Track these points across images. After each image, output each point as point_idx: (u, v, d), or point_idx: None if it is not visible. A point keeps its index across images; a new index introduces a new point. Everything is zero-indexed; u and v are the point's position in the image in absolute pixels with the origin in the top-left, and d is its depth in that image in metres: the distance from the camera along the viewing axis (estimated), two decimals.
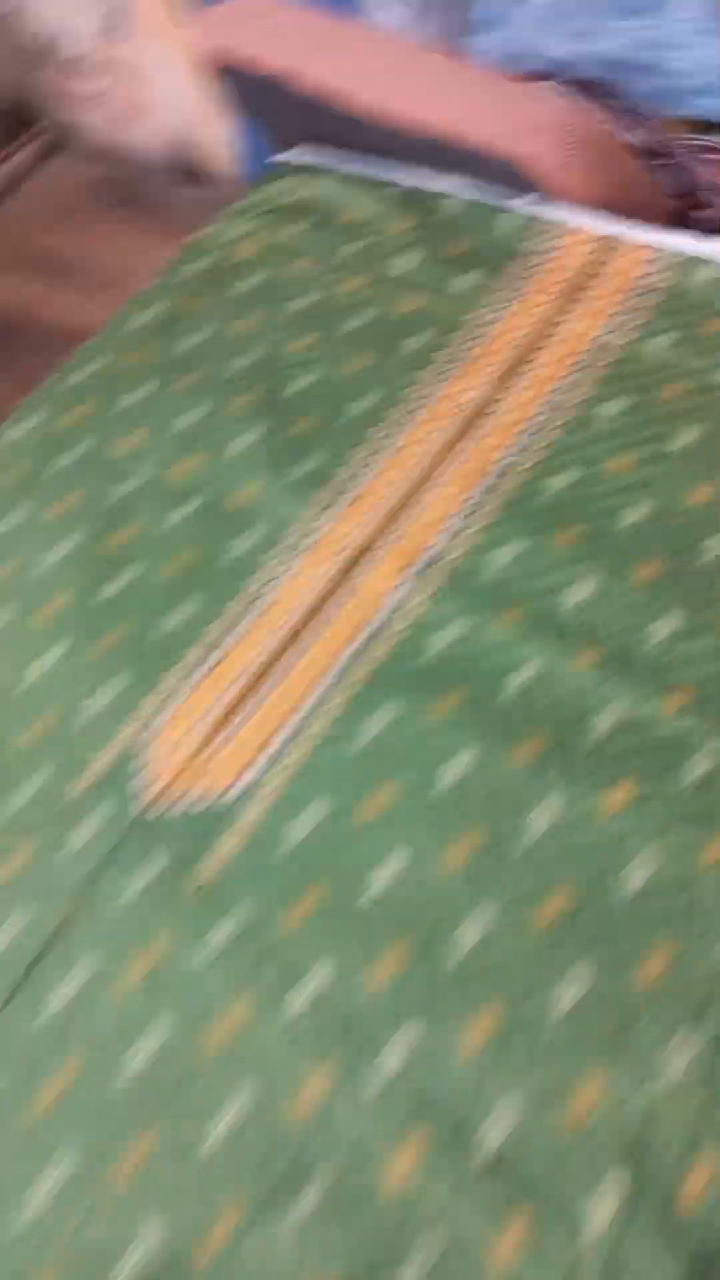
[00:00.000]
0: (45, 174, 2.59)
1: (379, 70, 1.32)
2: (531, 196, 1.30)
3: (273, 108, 1.56)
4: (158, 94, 2.46)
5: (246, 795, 0.89)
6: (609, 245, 1.24)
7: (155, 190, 2.53)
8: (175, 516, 1.10)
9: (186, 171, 2.56)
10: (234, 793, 0.90)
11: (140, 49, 2.38)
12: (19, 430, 1.22)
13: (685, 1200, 0.68)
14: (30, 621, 1.04)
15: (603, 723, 0.88)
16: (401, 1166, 0.72)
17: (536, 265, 1.25)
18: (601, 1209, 0.69)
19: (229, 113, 2.43)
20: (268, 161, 1.55)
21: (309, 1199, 0.71)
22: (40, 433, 1.21)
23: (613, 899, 0.79)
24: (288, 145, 1.57)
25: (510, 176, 1.30)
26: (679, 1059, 0.72)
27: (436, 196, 1.36)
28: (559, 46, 1.52)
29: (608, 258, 1.23)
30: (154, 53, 2.38)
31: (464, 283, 1.25)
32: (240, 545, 1.06)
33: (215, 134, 2.49)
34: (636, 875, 0.80)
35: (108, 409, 1.22)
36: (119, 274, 2.33)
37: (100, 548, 1.09)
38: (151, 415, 1.20)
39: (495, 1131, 0.72)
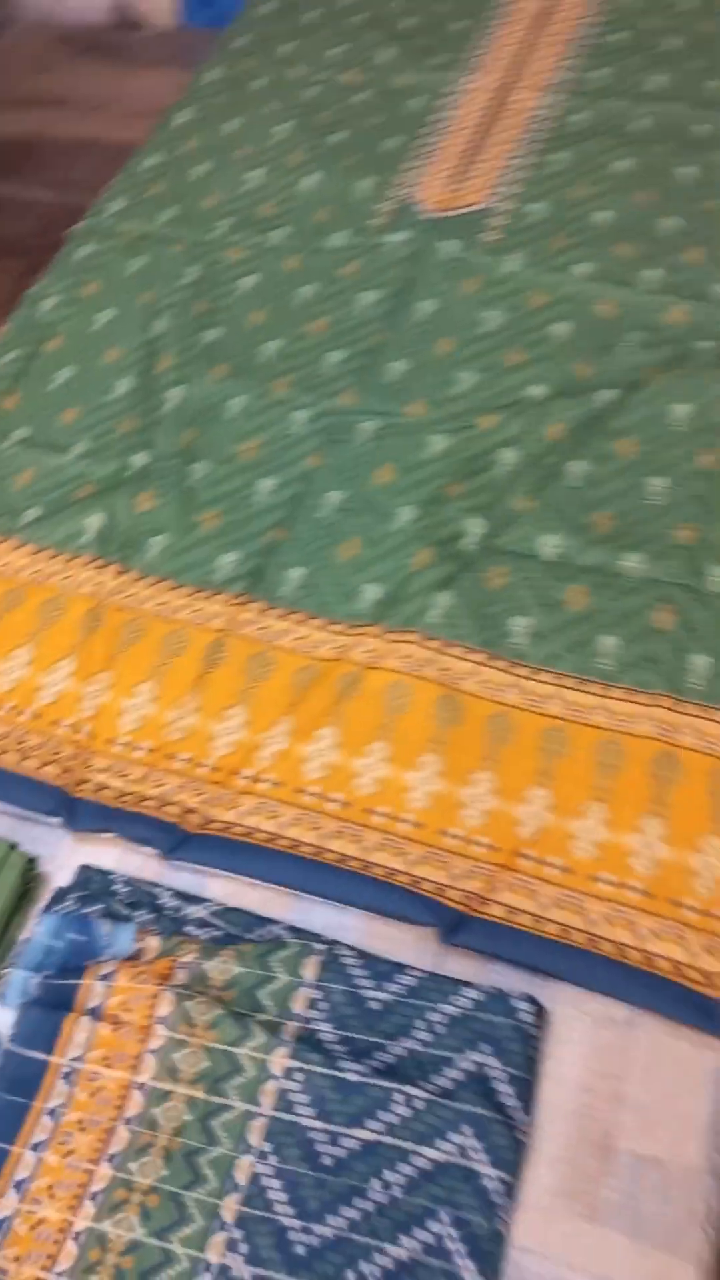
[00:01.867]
0: (5, 42, 2.97)
1: None
2: None
3: None
4: None
5: (496, 202, 1.41)
6: None
7: (110, 38, 2.96)
8: (358, 97, 1.60)
9: (130, 24, 3.00)
10: (489, 201, 1.41)
11: None
12: (211, 76, 1.68)
13: None
14: (282, 167, 1.51)
15: (703, 128, 1.44)
16: None
17: None
18: None
19: None
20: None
21: None
22: (228, 74, 1.68)
23: None
24: None
25: None
26: None
27: None
28: None
29: None
30: None
31: None
32: (414, 102, 1.57)
33: None
34: None
35: (271, 56, 1.69)
36: (103, 100, 2.77)
37: (311, 123, 1.58)
38: (304, 55, 1.69)
39: None
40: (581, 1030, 0.81)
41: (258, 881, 0.92)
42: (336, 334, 1.31)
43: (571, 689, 0.99)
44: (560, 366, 1.23)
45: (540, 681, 1.00)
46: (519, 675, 1.00)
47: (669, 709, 0.96)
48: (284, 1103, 0.81)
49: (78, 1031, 0.86)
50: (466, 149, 1.48)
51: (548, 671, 1.00)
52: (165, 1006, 0.86)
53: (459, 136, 1.50)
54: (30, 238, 2.24)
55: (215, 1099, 0.82)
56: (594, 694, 0.98)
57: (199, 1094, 0.83)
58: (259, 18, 1.79)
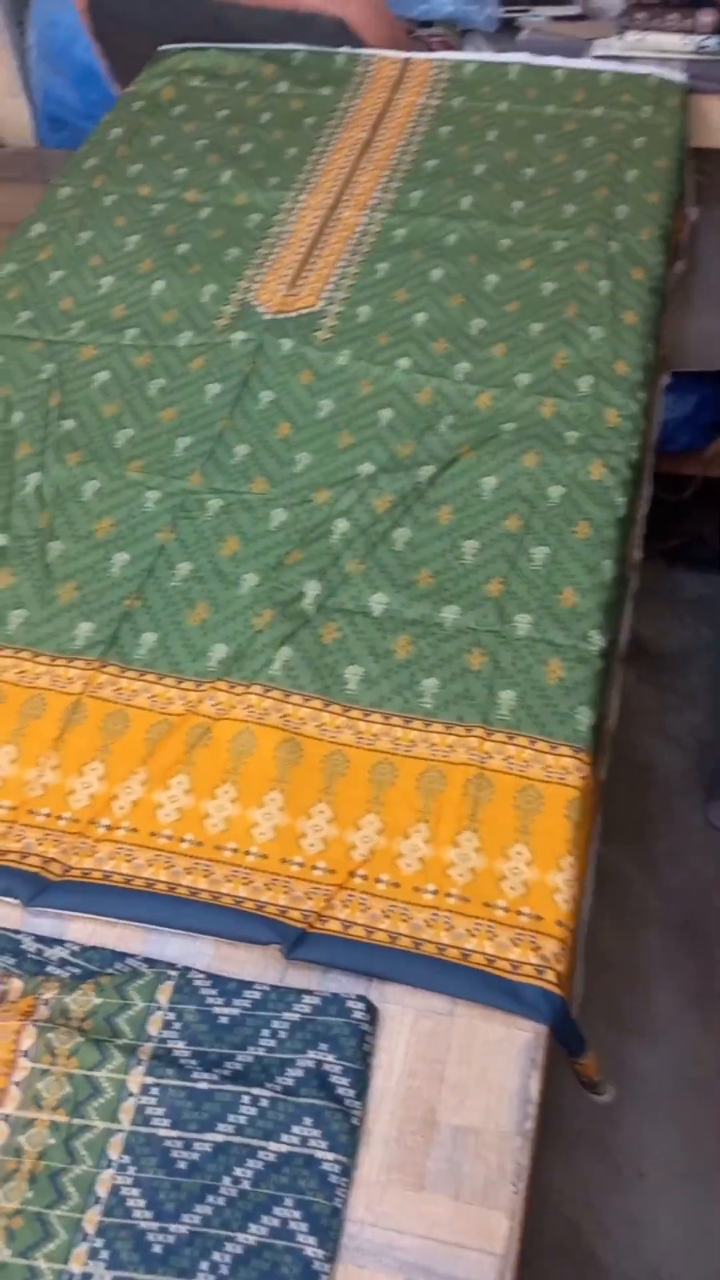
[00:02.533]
0: None
1: None
2: (346, 46, 2.09)
3: (136, 26, 2.25)
4: None
5: (327, 305, 1.57)
6: (409, 62, 2.05)
7: None
8: (202, 214, 1.76)
9: None
10: (319, 305, 1.57)
11: None
12: (63, 193, 1.83)
13: None
14: (133, 273, 1.65)
15: (505, 242, 1.64)
16: None
17: (367, 76, 2.03)
18: None
19: (26, 94, 3.08)
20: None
21: None
22: (79, 191, 1.82)
23: None
24: (134, 67, 2.24)
25: (335, 32, 2.08)
26: None
27: (287, 52, 2.12)
28: None
29: (411, 68, 2.04)
30: None
31: (325, 91, 2.01)
32: (252, 218, 1.74)
33: (11, 111, 3.11)
34: None
35: (121, 175, 1.85)
36: None
37: (159, 235, 1.73)
38: (151, 175, 1.85)
39: None
40: (408, 1022, 0.91)
41: (115, 920, 1.00)
42: (184, 422, 1.43)
43: (398, 726, 1.11)
44: (386, 447, 1.37)
45: (371, 722, 1.11)
46: (352, 718, 1.12)
47: (482, 738, 1.08)
48: (141, 1117, 0.88)
49: None
50: (300, 258, 1.65)
51: (377, 712, 1.12)
52: (28, 1040, 0.92)
53: (293, 248, 1.67)
54: None
55: (77, 1121, 0.89)
56: (417, 729, 1.10)
57: (61, 1118, 0.89)
58: (108, 140, 1.94)
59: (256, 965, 0.96)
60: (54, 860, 1.03)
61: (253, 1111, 0.87)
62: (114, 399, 1.47)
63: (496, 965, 0.93)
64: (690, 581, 2.38)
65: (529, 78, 1.99)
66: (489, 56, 2.07)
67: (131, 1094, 0.89)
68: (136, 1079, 0.90)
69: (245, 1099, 0.88)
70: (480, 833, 1.02)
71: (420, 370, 1.46)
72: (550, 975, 0.92)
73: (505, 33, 2.47)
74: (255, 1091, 0.88)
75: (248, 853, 1.02)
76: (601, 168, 1.77)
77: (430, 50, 2.35)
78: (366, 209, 1.73)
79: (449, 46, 2.40)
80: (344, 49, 2.10)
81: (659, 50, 2.06)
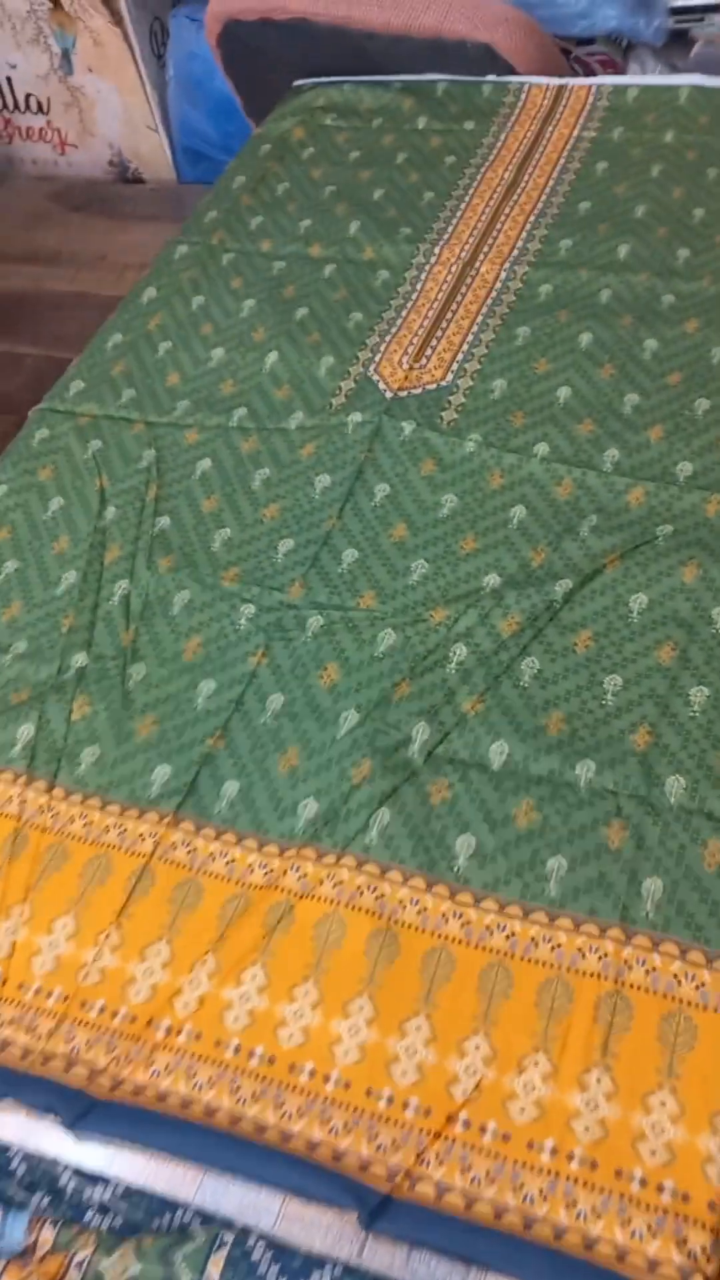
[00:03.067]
0: (6, 194, 3.14)
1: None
2: (493, 74, 1.96)
3: (270, 59, 2.17)
4: (100, 120, 3.07)
5: (456, 379, 1.43)
6: (562, 89, 1.90)
7: (105, 194, 3.12)
8: (325, 271, 1.65)
9: (129, 179, 3.17)
10: (448, 380, 1.43)
11: (83, 84, 2.99)
12: (180, 251, 1.75)
13: None
14: (246, 343, 1.56)
15: (668, 299, 1.47)
16: None
17: (517, 107, 1.88)
18: None
19: (164, 128, 3.07)
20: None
21: None
22: (197, 248, 1.74)
23: None
24: (268, 101, 2.16)
25: (481, 59, 1.95)
26: None
27: (428, 84, 1.99)
28: None
29: (564, 95, 1.89)
30: (96, 87, 2.99)
31: (468, 126, 1.87)
32: (380, 275, 1.62)
33: (151, 146, 3.11)
34: None
35: (242, 228, 1.76)
36: (95, 257, 2.90)
37: (277, 298, 1.62)
38: (273, 228, 1.75)
39: None
40: None
41: (168, 1155, 0.88)
42: (288, 520, 1.32)
43: (516, 919, 0.95)
44: (516, 554, 1.22)
45: (483, 910, 0.96)
46: (460, 903, 0.97)
47: (619, 941, 0.92)
48: None
49: None
50: (430, 324, 1.52)
51: (491, 898, 0.97)
52: None
53: (422, 310, 1.54)
54: (20, 393, 2.32)
55: None
56: (540, 924, 0.94)
57: None
58: (232, 190, 1.86)
59: (332, 1229, 0.82)
60: (102, 1071, 0.92)
61: None
62: (214, 491, 1.37)
63: (628, 1262, 0.77)
64: None
65: (701, 102, 1.80)
66: (655, 79, 1.89)
67: None
68: None
69: None
70: (614, 1072, 0.85)
71: (560, 459, 1.30)
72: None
73: (677, 46, 2.29)
74: None
75: (327, 1078, 0.89)
76: None
77: (591, 72, 2.20)
78: (508, 262, 1.58)
79: (613, 66, 2.24)
80: (491, 77, 1.96)
81: None
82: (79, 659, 1.22)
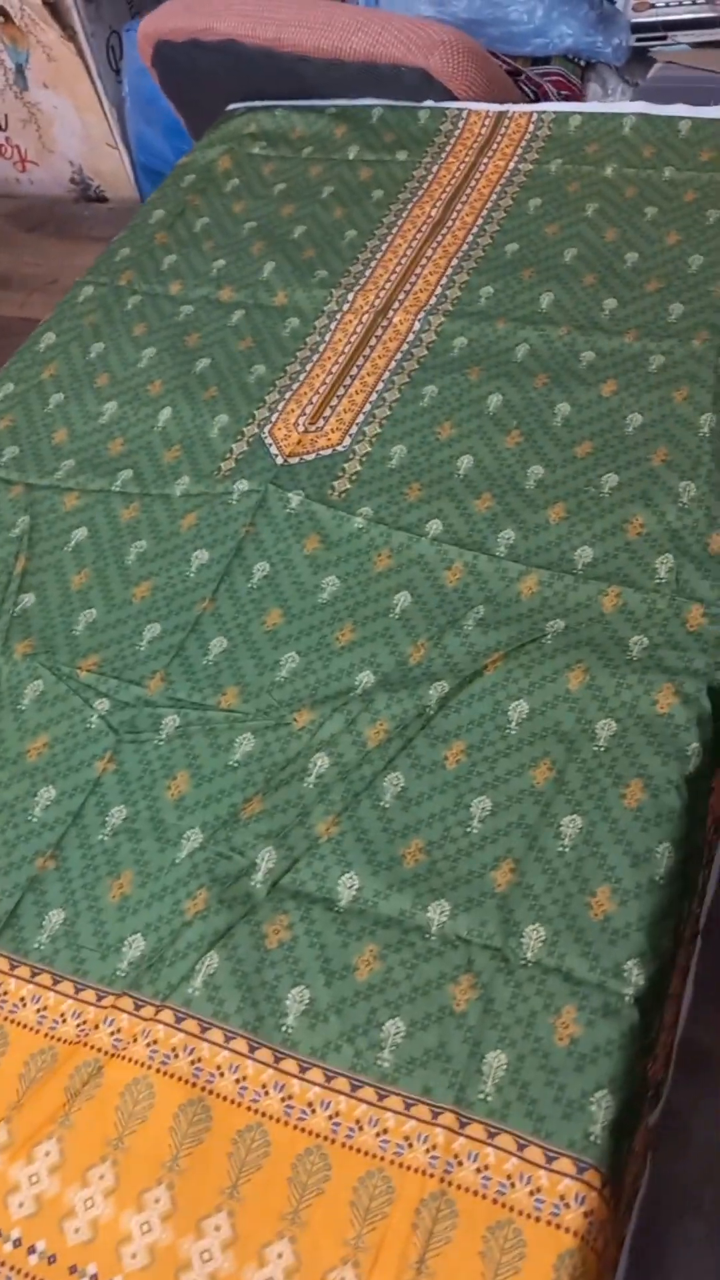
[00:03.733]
0: None
1: (311, 20, 1.83)
2: (431, 100, 1.83)
3: (204, 80, 2.05)
4: (58, 137, 2.95)
5: (354, 443, 1.31)
6: (502, 116, 1.77)
7: (62, 214, 3.00)
8: (233, 318, 1.53)
9: (91, 197, 3.05)
10: (344, 445, 1.31)
11: (40, 100, 2.87)
12: (85, 293, 1.64)
13: None
14: (141, 397, 1.44)
15: (587, 355, 1.34)
16: None
17: (451, 136, 1.76)
18: None
19: (124, 144, 2.95)
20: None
21: None
22: (104, 289, 1.63)
23: None
24: (206, 122, 2.04)
25: (418, 85, 1.82)
26: None
27: (362, 109, 1.86)
28: (427, 9, 2.09)
29: (503, 123, 1.76)
30: (52, 103, 2.88)
31: (400, 156, 1.75)
32: (289, 323, 1.50)
33: (112, 164, 2.99)
34: None
35: (153, 267, 1.64)
36: (46, 280, 2.79)
37: (179, 347, 1.51)
38: (185, 268, 1.63)
39: None
40: None
41: None
42: (159, 602, 1.20)
43: (343, 1094, 0.83)
44: (394, 649, 1.10)
45: (307, 1081, 0.84)
46: (284, 1071, 0.85)
47: (451, 1130, 0.80)
48: None
49: None
50: (334, 379, 1.40)
51: (318, 1067, 0.85)
52: None
53: (327, 364, 1.42)
54: None
55: None
56: (368, 1102, 0.83)
57: None
58: (148, 225, 1.75)
59: None
60: None
61: None
62: (86, 565, 1.26)
63: None
64: None
65: (645, 132, 1.67)
66: (600, 107, 1.76)
67: None
68: None
69: None
70: None
71: (453, 539, 1.18)
72: None
73: (637, 65, 2.16)
74: None
75: None
76: None
77: (543, 94, 2.07)
78: (423, 311, 1.46)
79: (567, 88, 2.11)
80: (428, 103, 1.83)
81: None
82: None
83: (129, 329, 1.56)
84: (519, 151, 1.70)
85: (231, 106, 2.00)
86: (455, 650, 1.08)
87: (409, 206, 1.64)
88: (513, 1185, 0.77)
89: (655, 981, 0.86)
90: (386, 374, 1.38)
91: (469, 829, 0.96)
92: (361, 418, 1.34)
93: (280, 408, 1.37)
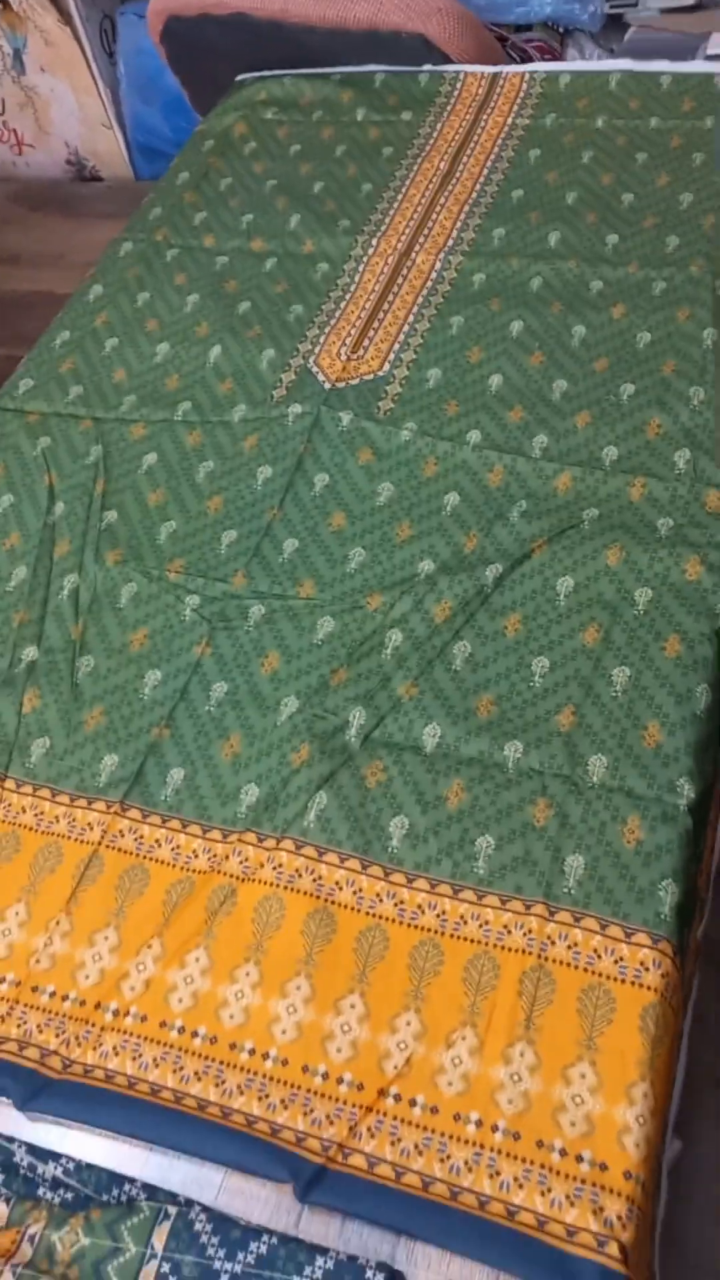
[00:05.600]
0: None
1: None
2: (429, 64, 1.91)
3: (213, 54, 2.11)
4: (55, 119, 2.99)
5: (393, 369, 1.40)
6: (496, 77, 1.85)
7: (63, 193, 3.04)
8: (266, 265, 1.61)
9: (86, 177, 3.09)
10: (384, 370, 1.40)
11: (37, 84, 2.91)
12: (125, 249, 1.71)
13: None
14: (190, 338, 1.52)
15: (595, 284, 1.44)
16: None
17: (453, 96, 1.84)
18: None
19: (119, 125, 2.99)
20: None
21: None
22: (142, 244, 1.70)
23: None
24: (213, 95, 2.10)
25: (417, 49, 1.90)
26: None
27: (366, 75, 1.94)
28: None
29: (498, 83, 1.84)
30: (49, 86, 2.91)
31: (405, 116, 1.83)
32: (320, 268, 1.58)
33: (108, 144, 3.03)
34: None
35: (185, 224, 1.72)
36: (55, 255, 2.84)
37: (220, 293, 1.59)
38: (216, 224, 1.71)
39: None
40: None
41: (116, 1134, 0.87)
42: (231, 512, 1.29)
43: (446, 897, 0.94)
44: (449, 540, 1.20)
45: (415, 889, 0.95)
46: (394, 883, 0.96)
47: (543, 918, 0.91)
48: None
49: None
50: (367, 315, 1.49)
51: (423, 878, 0.96)
52: None
53: (360, 302, 1.51)
54: None
55: None
56: (468, 902, 0.94)
57: None
58: (175, 186, 1.81)
59: (270, 1201, 0.82)
60: (54, 1053, 0.91)
61: None
62: (160, 485, 1.34)
63: (548, 1230, 0.77)
64: None
65: (631, 87, 1.76)
66: (586, 66, 1.85)
67: None
68: None
69: None
70: (536, 1046, 0.85)
71: (492, 445, 1.28)
72: (613, 1249, 0.75)
73: (612, 30, 2.25)
74: None
75: (266, 1056, 0.88)
76: (710, 190, 1.54)
77: (527, 58, 2.15)
78: (443, 252, 1.55)
79: (549, 53, 2.19)
80: (427, 67, 1.91)
81: None
82: (29, 653, 1.19)
83: (170, 279, 1.64)
84: (515, 108, 1.79)
85: (241, 77, 2.06)
86: (504, 538, 1.19)
87: (418, 161, 1.73)
88: (599, 957, 0.88)
89: (702, 795, 0.98)
90: (415, 308, 1.47)
91: (531, 684, 1.06)
92: (397, 346, 1.43)
93: (321, 341, 1.46)
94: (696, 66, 1.77)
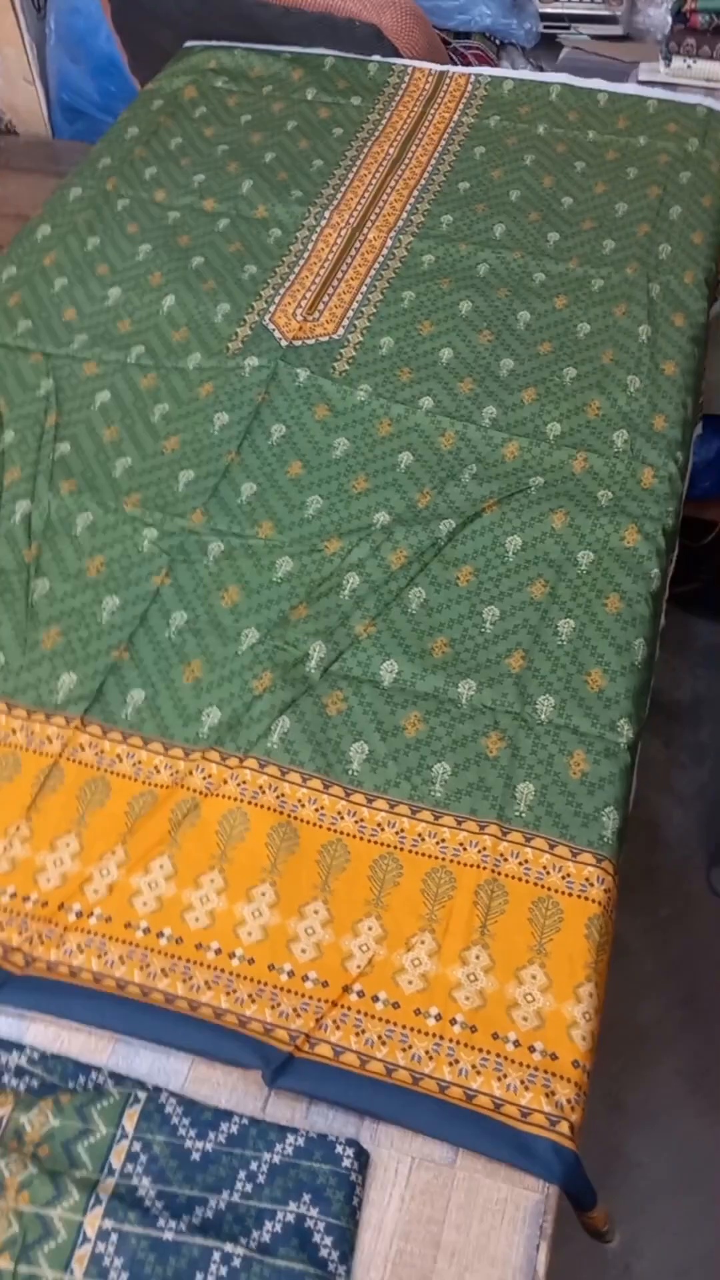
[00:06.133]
0: None
1: None
2: (378, 55, 1.98)
3: (158, 17, 2.13)
4: None
5: (347, 333, 1.46)
6: (443, 75, 1.94)
7: None
8: (219, 225, 1.65)
9: (1, 131, 3.03)
10: (339, 334, 1.46)
11: None
12: (74, 193, 1.71)
13: None
14: (142, 286, 1.54)
15: (539, 276, 1.53)
16: None
17: (401, 88, 1.91)
18: None
19: (41, 81, 2.95)
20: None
21: None
22: (91, 193, 1.70)
23: None
24: (154, 61, 2.12)
25: (368, 39, 1.97)
26: None
27: (317, 57, 1.99)
28: None
29: (444, 82, 1.93)
30: None
31: (355, 101, 1.89)
32: (273, 233, 1.63)
33: (27, 99, 2.98)
34: None
35: (135, 177, 1.73)
36: None
37: (173, 246, 1.61)
38: (167, 180, 1.73)
39: None
40: (403, 1173, 0.80)
41: (81, 1025, 0.89)
42: (188, 454, 1.32)
43: (405, 817, 1.00)
44: (404, 495, 1.26)
45: (375, 809, 1.00)
46: (354, 803, 1.01)
47: (496, 838, 0.98)
48: (97, 1268, 0.77)
49: None
50: (322, 281, 1.54)
51: (382, 798, 1.01)
52: None
53: (314, 269, 1.56)
54: None
55: (24, 1269, 0.78)
56: (425, 821, 0.99)
57: (5, 1264, 0.78)
58: (125, 140, 1.82)
59: (236, 1090, 0.85)
60: (16, 950, 0.92)
61: (224, 1272, 0.76)
62: (114, 422, 1.36)
63: (504, 1111, 0.83)
64: (705, 630, 2.27)
65: (570, 100, 1.87)
66: (530, 75, 1.96)
67: (88, 1239, 0.78)
68: (94, 1221, 0.79)
69: (216, 1255, 0.77)
70: (491, 949, 0.91)
71: (444, 412, 1.35)
72: (563, 1127, 0.82)
73: (545, 49, 2.37)
74: (227, 1248, 0.77)
75: (232, 955, 0.91)
76: (644, 202, 1.66)
77: (467, 64, 2.24)
78: (393, 231, 1.62)
79: (486, 61, 2.29)
80: (376, 58, 1.98)
81: (708, 79, 1.95)
82: None
83: (122, 227, 1.65)
84: (461, 106, 1.87)
85: (189, 44, 2.09)
86: (456, 497, 1.25)
87: (368, 144, 1.79)
88: (548, 873, 0.95)
89: (638, 735, 1.06)
90: (369, 280, 1.53)
91: (483, 630, 1.13)
92: (351, 312, 1.48)
93: (277, 300, 1.50)
94: (630, 88, 1.89)
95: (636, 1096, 1.67)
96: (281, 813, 0.99)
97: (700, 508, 2.19)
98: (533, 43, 2.32)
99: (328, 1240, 0.77)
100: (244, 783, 1.01)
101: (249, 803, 1.00)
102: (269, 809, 0.99)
